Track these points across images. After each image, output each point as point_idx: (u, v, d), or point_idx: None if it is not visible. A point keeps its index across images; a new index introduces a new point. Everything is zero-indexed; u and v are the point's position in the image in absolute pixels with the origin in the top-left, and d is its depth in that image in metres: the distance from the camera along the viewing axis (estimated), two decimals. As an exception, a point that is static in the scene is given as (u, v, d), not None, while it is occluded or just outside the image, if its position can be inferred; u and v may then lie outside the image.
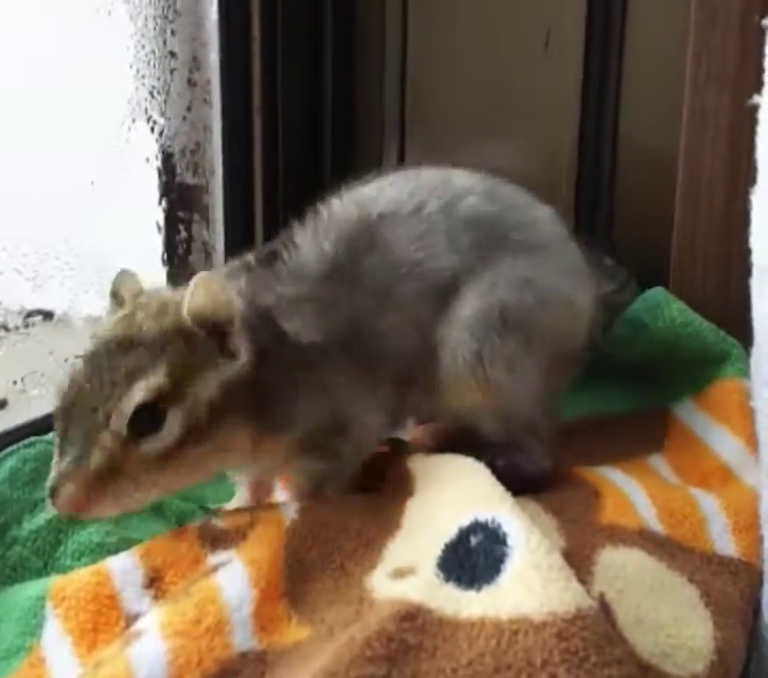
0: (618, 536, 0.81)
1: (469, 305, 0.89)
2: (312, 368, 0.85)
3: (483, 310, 0.89)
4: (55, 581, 0.80)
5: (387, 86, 1.45)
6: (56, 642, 0.75)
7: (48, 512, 0.88)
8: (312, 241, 0.89)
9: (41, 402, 1.07)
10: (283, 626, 0.70)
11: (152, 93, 1.31)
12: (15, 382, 1.08)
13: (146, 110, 1.29)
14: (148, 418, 0.75)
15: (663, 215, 1.13)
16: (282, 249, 0.90)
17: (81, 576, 0.79)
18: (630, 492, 0.89)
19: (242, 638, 0.68)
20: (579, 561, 0.75)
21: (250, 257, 0.91)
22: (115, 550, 0.88)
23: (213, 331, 0.79)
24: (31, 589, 0.81)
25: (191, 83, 1.36)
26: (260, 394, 0.81)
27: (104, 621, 0.75)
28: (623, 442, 1.04)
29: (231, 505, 0.98)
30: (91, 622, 0.75)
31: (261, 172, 1.42)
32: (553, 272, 0.92)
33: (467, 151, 1.37)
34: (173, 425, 0.75)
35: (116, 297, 0.85)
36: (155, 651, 0.66)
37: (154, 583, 0.78)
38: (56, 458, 0.77)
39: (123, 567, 0.79)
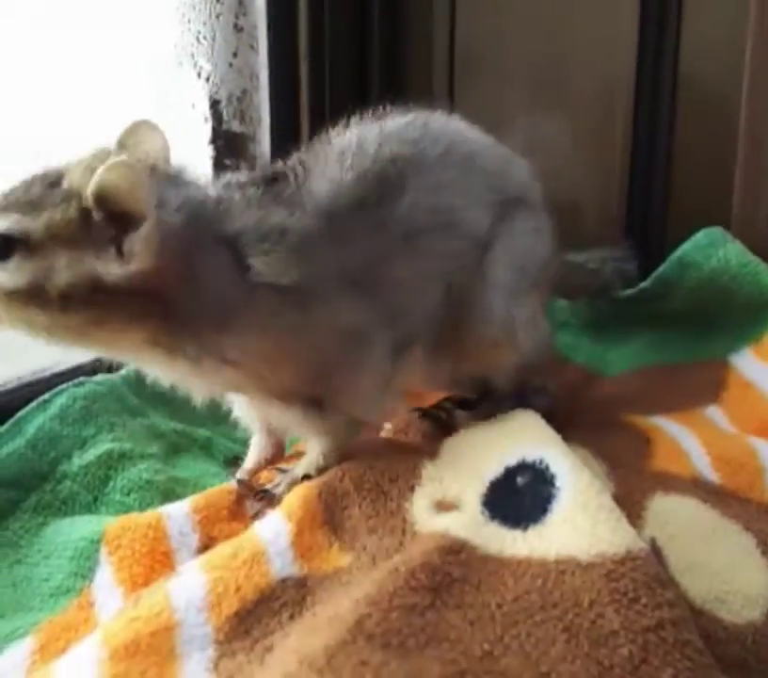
0: (670, 483, 0.79)
1: (499, 264, 0.88)
2: (280, 312, 0.76)
3: (512, 269, 0.88)
4: (111, 525, 0.81)
5: (436, 26, 1.40)
6: (107, 589, 0.76)
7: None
8: (327, 170, 0.81)
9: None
10: (324, 552, 0.70)
11: (198, 38, 1.29)
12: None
13: (192, 55, 1.27)
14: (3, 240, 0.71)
15: (724, 157, 1.09)
16: (290, 173, 0.81)
17: (138, 525, 0.80)
18: (682, 440, 0.87)
19: (281, 566, 0.68)
20: (629, 506, 0.73)
21: (250, 175, 0.82)
22: (163, 488, 0.89)
23: (114, 221, 0.71)
24: (85, 528, 0.82)
25: (237, 28, 1.34)
26: (178, 315, 0.73)
27: (155, 577, 0.76)
28: (679, 392, 1.02)
29: (250, 452, 0.95)
30: (143, 577, 0.76)
31: (307, 121, 1.39)
32: (546, 224, 0.94)
33: (519, 96, 1.33)
34: (19, 268, 0.71)
35: (121, 147, 0.78)
36: (194, 583, 0.66)
37: (207, 548, 0.78)
38: None
39: (181, 529, 0.80)
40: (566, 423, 0.85)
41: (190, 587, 0.66)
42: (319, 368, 0.79)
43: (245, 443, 1.03)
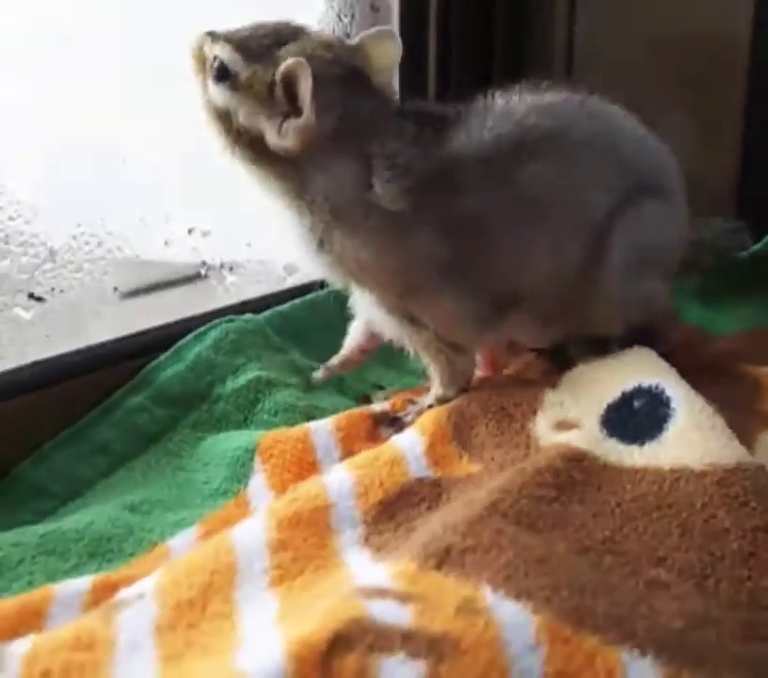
0: (780, 422, 0.84)
1: (618, 248, 0.90)
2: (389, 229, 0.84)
3: (631, 254, 0.91)
4: (263, 437, 0.91)
5: (557, 11, 1.47)
6: (260, 492, 0.86)
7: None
8: (473, 124, 0.87)
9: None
10: (455, 462, 0.78)
11: (339, 16, 1.39)
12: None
13: (333, 31, 1.37)
14: (220, 67, 0.85)
15: None
16: (444, 118, 0.88)
17: (288, 437, 0.90)
18: (794, 386, 0.92)
19: (417, 468, 0.77)
20: (738, 438, 0.78)
21: (421, 107, 0.91)
22: (305, 411, 0.99)
23: (291, 102, 0.82)
24: (240, 439, 0.93)
25: (374, 8, 1.43)
26: (309, 193, 0.85)
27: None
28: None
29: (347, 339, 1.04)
30: (292, 483, 0.85)
31: (434, 93, 1.48)
32: (677, 212, 0.97)
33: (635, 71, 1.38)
34: (222, 92, 0.86)
35: (362, 43, 0.89)
36: (344, 476, 0.76)
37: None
38: None
39: (325, 443, 0.89)
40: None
41: (340, 478, 0.75)
42: (406, 287, 0.87)
43: (372, 385, 1.14)
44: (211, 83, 0.87)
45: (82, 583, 0.68)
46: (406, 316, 0.90)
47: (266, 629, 0.56)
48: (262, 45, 0.85)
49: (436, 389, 0.94)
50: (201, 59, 0.88)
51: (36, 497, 0.87)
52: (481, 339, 0.94)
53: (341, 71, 0.85)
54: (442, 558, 0.59)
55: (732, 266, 1.18)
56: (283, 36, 0.86)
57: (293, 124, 0.82)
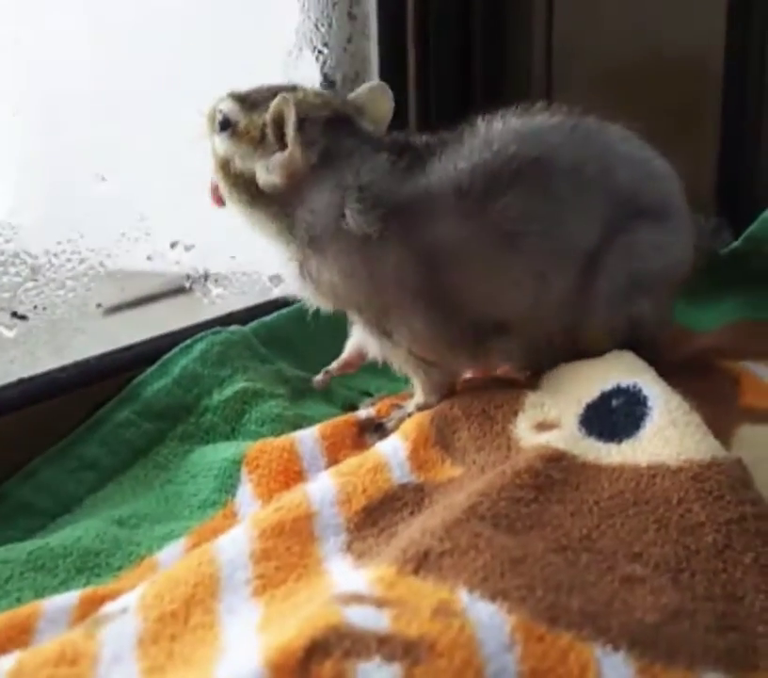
0: (758, 415, 0.85)
1: (606, 276, 0.90)
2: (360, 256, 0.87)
3: (621, 280, 0.90)
4: (250, 448, 0.92)
5: (535, 14, 1.48)
6: (247, 502, 0.88)
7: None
8: (451, 154, 0.87)
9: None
10: (438, 466, 0.79)
11: (316, 25, 1.40)
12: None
13: (311, 40, 1.38)
14: (223, 119, 0.92)
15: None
16: (423, 148, 0.89)
17: (274, 447, 0.91)
18: (768, 379, 0.93)
19: (400, 474, 0.77)
20: (716, 433, 0.78)
21: (403, 140, 0.91)
22: (292, 421, 1.00)
23: (280, 141, 0.87)
24: (226, 451, 0.94)
25: (351, 16, 1.45)
26: (295, 226, 0.89)
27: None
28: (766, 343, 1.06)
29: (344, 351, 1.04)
30: (279, 492, 0.86)
31: (414, 101, 1.50)
32: (676, 235, 0.95)
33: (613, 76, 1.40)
34: (223, 142, 0.92)
35: (355, 98, 0.95)
36: (327, 484, 0.76)
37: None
38: None
39: (311, 452, 0.91)
40: (661, 372, 0.91)
41: (323, 486, 0.76)
42: (380, 308, 0.89)
43: (360, 392, 1.15)
44: (216, 135, 0.93)
45: (69, 598, 0.68)
46: (384, 333, 0.91)
47: (248, 638, 0.57)
48: (260, 97, 0.91)
49: (417, 397, 0.95)
50: (213, 118, 0.93)
51: (24, 514, 0.88)
52: (458, 360, 0.93)
53: (328, 114, 0.89)
54: (420, 562, 0.59)
55: (715, 263, 1.19)
56: (281, 90, 0.90)
57: (278, 158, 0.88)
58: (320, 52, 1.39)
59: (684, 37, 1.34)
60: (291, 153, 0.87)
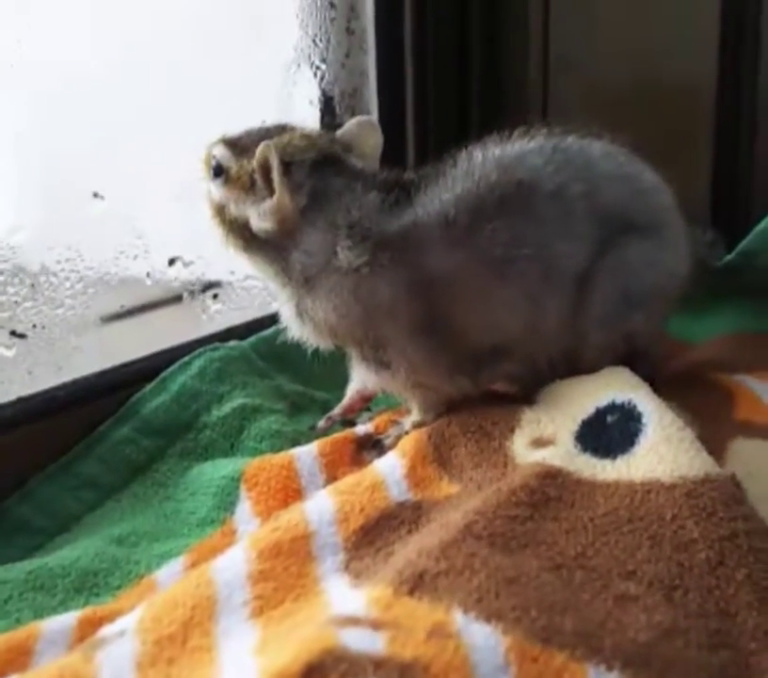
0: (752, 430, 0.86)
1: (598, 294, 0.90)
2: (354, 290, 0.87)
3: (612, 297, 0.91)
4: (248, 465, 0.92)
5: (531, 26, 1.49)
6: (246, 520, 0.88)
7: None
8: (436, 187, 0.88)
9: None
10: (435, 484, 0.79)
11: (314, 41, 1.41)
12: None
13: (309, 56, 1.39)
14: (216, 165, 0.93)
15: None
16: (410, 184, 0.90)
17: (272, 465, 0.92)
18: (762, 394, 0.93)
19: (398, 493, 0.78)
20: (710, 447, 0.78)
21: (380, 175, 0.92)
22: (291, 437, 1.00)
23: (269, 186, 0.87)
24: (225, 468, 0.94)
25: (349, 31, 1.46)
26: (291, 268, 0.90)
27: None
28: (761, 355, 1.07)
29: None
30: (278, 509, 0.86)
31: (412, 115, 1.51)
32: (668, 249, 0.95)
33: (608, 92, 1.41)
34: (218, 188, 0.93)
35: (342, 136, 0.94)
36: (325, 503, 0.77)
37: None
38: None
39: (309, 469, 0.91)
40: (656, 386, 0.91)
41: (321, 505, 0.76)
42: (376, 341, 0.89)
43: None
44: (210, 181, 0.94)
45: (68, 619, 0.69)
46: (382, 365, 0.91)
47: (244, 662, 0.57)
48: (250, 142, 0.91)
49: (414, 415, 0.95)
50: (208, 163, 0.94)
51: (23, 533, 0.88)
52: (458, 386, 0.92)
53: (314, 156, 0.89)
54: (416, 583, 0.60)
55: (710, 276, 1.20)
56: (270, 133, 0.92)
57: (268, 204, 0.88)
58: (318, 67, 1.40)
59: (679, 56, 1.35)
60: (278, 198, 0.87)
